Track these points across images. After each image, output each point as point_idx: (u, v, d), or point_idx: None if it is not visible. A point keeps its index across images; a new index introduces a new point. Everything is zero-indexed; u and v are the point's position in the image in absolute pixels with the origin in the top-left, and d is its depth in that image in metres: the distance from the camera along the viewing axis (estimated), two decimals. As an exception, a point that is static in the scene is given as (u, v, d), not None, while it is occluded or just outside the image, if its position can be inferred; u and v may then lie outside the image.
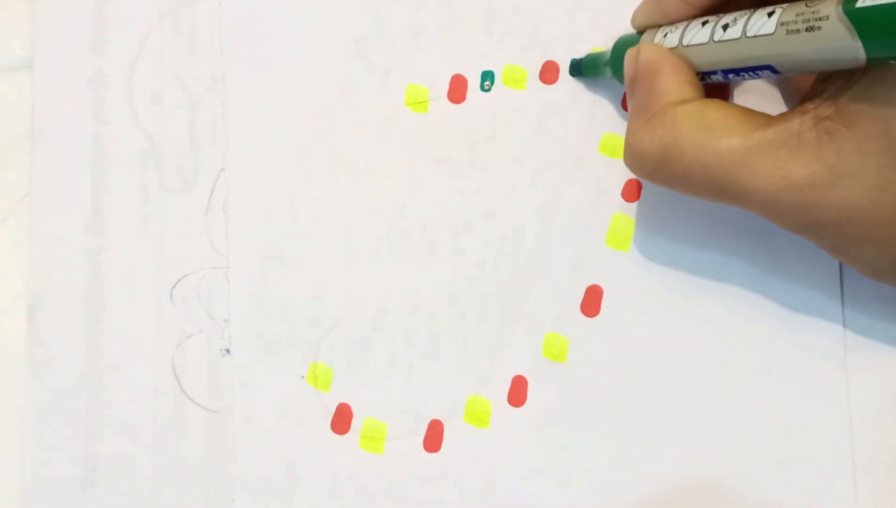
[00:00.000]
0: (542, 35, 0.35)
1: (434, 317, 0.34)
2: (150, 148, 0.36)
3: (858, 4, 0.23)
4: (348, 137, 0.35)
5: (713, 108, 0.27)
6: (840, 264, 0.33)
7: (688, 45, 0.28)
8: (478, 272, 0.34)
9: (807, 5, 0.25)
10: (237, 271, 0.35)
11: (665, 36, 0.29)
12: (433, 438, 0.34)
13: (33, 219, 0.35)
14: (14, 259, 0.35)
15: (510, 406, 0.34)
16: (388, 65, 0.35)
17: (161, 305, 0.35)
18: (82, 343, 0.35)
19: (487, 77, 0.35)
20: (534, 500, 0.33)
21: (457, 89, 0.35)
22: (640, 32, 0.31)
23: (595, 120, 0.34)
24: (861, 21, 0.23)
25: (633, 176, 0.34)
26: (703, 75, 0.29)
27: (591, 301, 0.34)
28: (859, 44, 0.23)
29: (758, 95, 0.33)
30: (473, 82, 0.35)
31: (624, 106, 0.34)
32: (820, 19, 0.24)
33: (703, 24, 0.28)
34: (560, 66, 0.35)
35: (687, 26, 0.29)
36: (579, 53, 0.35)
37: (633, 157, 0.29)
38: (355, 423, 0.34)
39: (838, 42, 0.24)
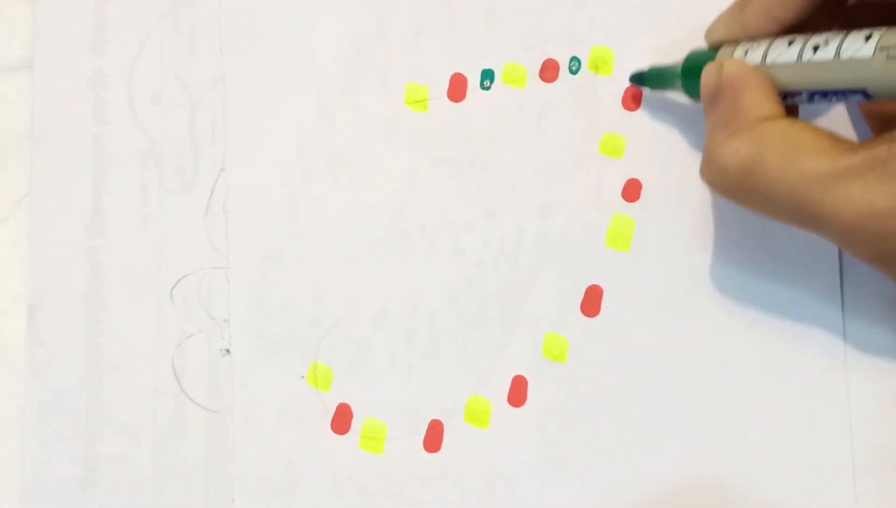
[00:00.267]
0: (542, 33, 0.35)
1: (434, 317, 0.34)
2: (150, 148, 0.36)
3: None
4: (348, 137, 0.35)
5: (801, 127, 0.27)
6: (840, 265, 0.33)
7: (772, 64, 0.28)
8: (478, 272, 0.34)
9: None
10: (237, 271, 0.35)
11: (746, 53, 0.29)
12: (433, 438, 0.34)
13: (33, 219, 0.35)
14: (14, 259, 0.35)
15: (510, 406, 0.34)
16: (388, 64, 0.35)
17: (161, 305, 0.35)
18: (82, 343, 0.35)
19: (487, 76, 0.35)
20: (534, 500, 0.33)
21: (457, 88, 0.35)
22: (713, 48, 0.31)
23: (595, 119, 0.34)
24: None
25: (633, 176, 0.34)
26: (785, 95, 0.28)
27: (591, 301, 0.34)
28: None
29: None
30: (473, 81, 0.35)
31: (625, 104, 0.34)
32: None
33: (790, 43, 0.27)
34: (560, 64, 0.35)
35: (771, 44, 0.28)
36: (581, 53, 0.34)
37: (714, 170, 0.28)
38: (355, 423, 0.34)
39: None
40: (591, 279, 0.34)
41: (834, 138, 0.26)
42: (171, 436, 0.34)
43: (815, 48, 0.27)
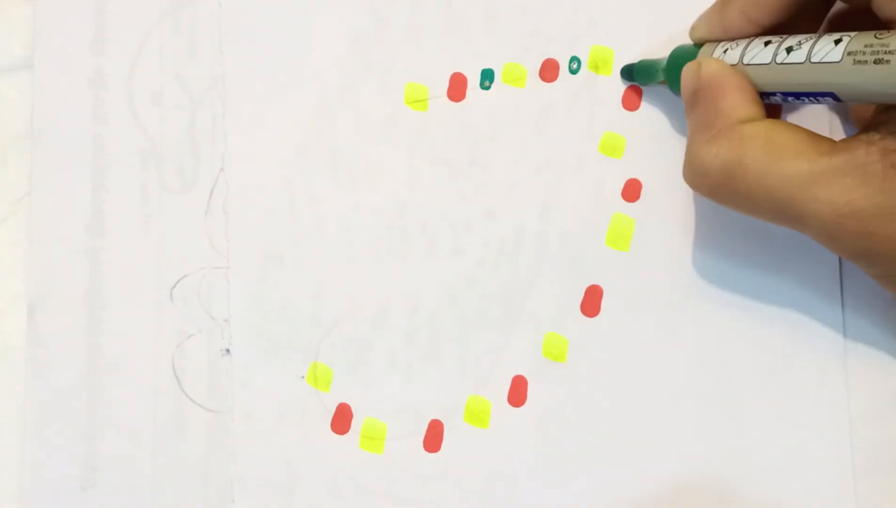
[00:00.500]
0: (542, 33, 0.35)
1: (434, 317, 0.34)
2: (150, 148, 0.36)
3: None
4: (348, 137, 0.35)
5: (780, 129, 0.27)
6: (840, 265, 0.33)
7: (748, 64, 0.28)
8: (478, 272, 0.34)
9: (876, 37, 0.24)
10: (237, 271, 0.35)
11: (725, 52, 0.29)
12: (433, 438, 0.34)
13: (33, 219, 0.35)
14: (14, 259, 0.35)
15: (510, 406, 0.34)
16: (388, 64, 0.35)
17: (161, 305, 0.35)
18: (82, 343, 0.35)
19: (487, 75, 0.35)
20: (534, 500, 0.33)
21: (457, 88, 0.35)
22: (697, 45, 0.31)
23: (595, 119, 0.34)
24: None
25: (633, 176, 0.34)
26: (761, 96, 0.28)
27: (591, 301, 0.34)
28: None
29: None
30: (473, 80, 0.35)
31: (624, 105, 0.34)
32: (889, 52, 0.24)
33: (766, 44, 0.28)
34: (560, 64, 0.35)
35: (748, 45, 0.28)
36: (581, 52, 0.34)
37: (695, 173, 0.29)
38: (355, 423, 0.34)
39: None
40: (591, 279, 0.34)
41: (813, 138, 0.27)
42: (171, 436, 0.34)
43: (789, 50, 0.27)
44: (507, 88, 0.35)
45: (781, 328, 0.33)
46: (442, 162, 0.35)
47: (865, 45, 0.25)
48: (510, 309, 0.34)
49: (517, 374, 0.34)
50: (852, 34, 0.25)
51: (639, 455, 0.33)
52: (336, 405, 0.34)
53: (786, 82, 0.27)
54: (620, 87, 0.34)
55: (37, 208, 0.35)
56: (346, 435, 0.34)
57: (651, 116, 0.34)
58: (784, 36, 0.28)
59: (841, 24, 0.30)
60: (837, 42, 0.25)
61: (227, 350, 0.35)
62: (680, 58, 0.31)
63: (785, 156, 0.26)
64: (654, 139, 0.34)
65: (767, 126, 0.27)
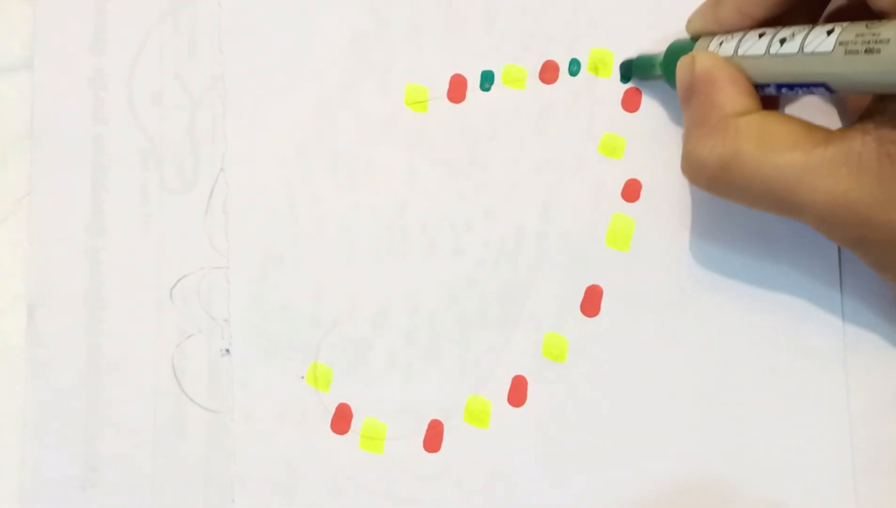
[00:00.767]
0: (542, 34, 0.35)
1: (434, 317, 0.34)
2: (150, 148, 0.36)
3: None
4: (348, 137, 0.35)
5: (774, 120, 0.27)
6: (840, 265, 0.33)
7: (743, 56, 0.28)
8: (478, 272, 0.34)
9: (867, 26, 0.24)
10: (237, 271, 0.35)
11: (720, 45, 0.29)
12: (433, 438, 0.34)
13: (33, 219, 0.35)
14: (14, 259, 0.35)
15: (510, 406, 0.34)
16: (388, 64, 0.35)
17: (161, 305, 0.35)
18: (82, 343, 0.35)
19: (487, 77, 0.35)
20: (534, 500, 0.33)
21: (456, 89, 0.35)
22: (693, 38, 0.31)
23: (595, 120, 0.34)
24: None
25: (633, 176, 0.34)
26: (756, 87, 0.28)
27: (591, 301, 0.34)
28: None
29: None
30: (473, 82, 0.35)
31: (623, 106, 0.34)
32: (880, 42, 0.24)
33: (760, 36, 0.28)
34: (560, 65, 0.35)
35: (743, 37, 0.28)
36: (581, 54, 0.35)
37: (692, 167, 0.29)
38: (355, 423, 0.34)
39: None
40: (591, 279, 0.34)
41: (808, 129, 0.27)
42: (171, 436, 0.34)
43: (782, 41, 0.27)
44: (507, 89, 0.35)
45: (781, 328, 0.33)
46: (442, 162, 0.35)
47: (857, 35, 0.25)
48: (510, 309, 0.34)
49: (517, 374, 0.34)
50: (844, 24, 0.25)
51: (639, 455, 0.33)
52: (336, 405, 0.34)
53: (779, 73, 0.27)
54: (620, 88, 0.34)
55: (37, 208, 0.35)
56: (346, 435, 0.34)
57: (651, 117, 0.34)
58: (779, 28, 0.28)
59: (839, 19, 0.30)
60: (830, 32, 0.25)
61: (227, 350, 0.35)
62: (676, 52, 0.31)
63: (780, 147, 0.27)
64: (653, 140, 0.34)
65: (762, 118, 0.27)
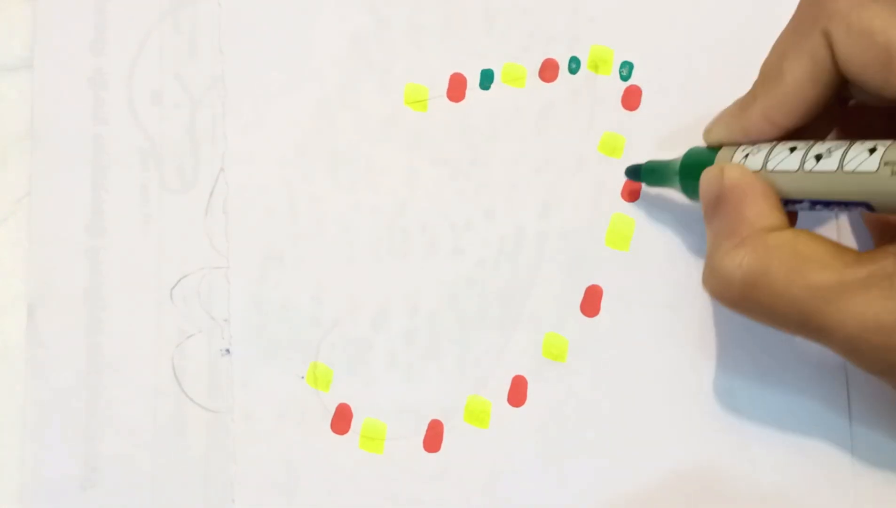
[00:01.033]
0: (542, 33, 0.35)
1: (434, 317, 0.34)
2: (150, 148, 0.36)
3: None
4: (348, 137, 0.35)
5: (805, 239, 0.26)
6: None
7: (773, 171, 0.27)
8: (478, 272, 0.34)
9: None
10: (237, 271, 0.35)
11: (746, 157, 0.28)
12: (433, 438, 0.34)
13: (33, 219, 0.35)
14: (14, 259, 0.35)
15: (510, 406, 0.34)
16: (388, 64, 0.35)
17: (161, 305, 0.35)
18: (82, 343, 0.35)
19: (487, 75, 0.35)
20: (534, 500, 0.33)
21: (456, 88, 0.35)
22: (711, 148, 0.30)
23: (595, 119, 0.34)
24: None
25: (632, 175, 0.34)
26: (786, 202, 0.27)
27: (591, 301, 0.34)
28: None
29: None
30: (473, 81, 0.35)
31: (624, 104, 0.34)
32: None
33: (792, 150, 0.27)
34: (559, 63, 0.35)
35: (772, 150, 0.28)
36: (581, 52, 0.34)
37: (718, 281, 0.28)
38: (355, 423, 0.34)
39: None
40: (590, 279, 0.34)
41: (838, 249, 0.26)
42: (171, 436, 0.34)
43: (818, 157, 0.26)
44: (507, 88, 0.35)
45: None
46: (442, 162, 0.35)
47: None
48: (510, 309, 0.34)
49: (517, 374, 0.34)
50: (887, 143, 0.24)
51: (639, 455, 0.33)
52: (336, 405, 0.34)
53: (816, 190, 0.26)
54: (620, 86, 0.34)
55: (37, 208, 0.35)
56: (346, 435, 0.34)
57: (651, 116, 0.34)
58: (810, 142, 0.27)
59: (861, 125, 0.29)
60: (872, 151, 0.25)
61: (227, 350, 0.35)
62: (696, 161, 0.30)
63: (811, 267, 0.26)
64: (653, 139, 0.34)
65: (793, 235, 0.26)
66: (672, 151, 0.34)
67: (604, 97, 0.34)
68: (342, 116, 0.35)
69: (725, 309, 0.33)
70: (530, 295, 0.34)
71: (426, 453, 0.34)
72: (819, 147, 0.26)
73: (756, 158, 0.28)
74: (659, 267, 0.33)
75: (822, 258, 0.26)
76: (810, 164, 0.26)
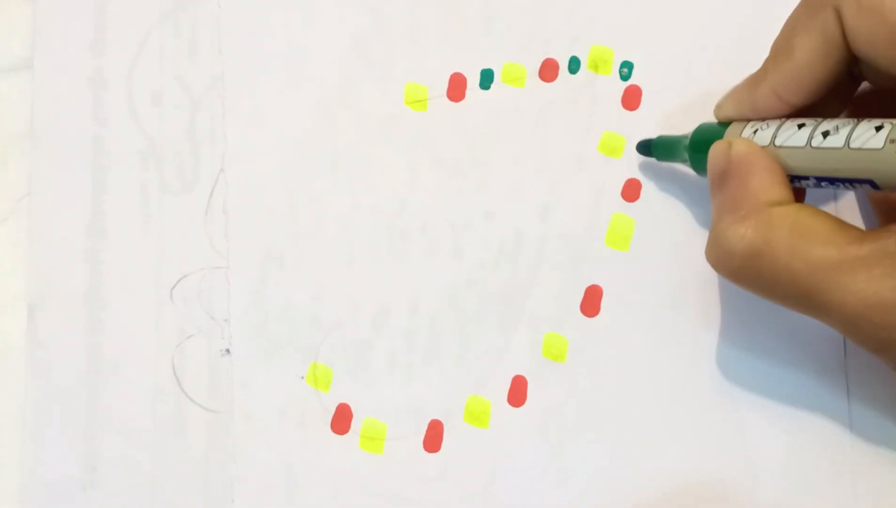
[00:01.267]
0: (542, 32, 0.35)
1: (434, 317, 0.34)
2: (150, 148, 0.36)
3: None
4: (348, 137, 0.35)
5: (809, 214, 0.26)
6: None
7: (781, 147, 0.27)
8: (478, 272, 0.34)
9: None
10: (237, 271, 0.35)
11: (755, 132, 0.28)
12: (433, 438, 0.34)
13: (33, 219, 0.35)
14: (14, 259, 0.35)
15: (510, 406, 0.34)
16: (388, 63, 0.35)
17: (161, 305, 0.35)
18: (82, 343, 0.35)
19: (487, 75, 0.35)
20: (534, 500, 0.33)
21: (456, 88, 0.35)
22: (722, 124, 0.30)
23: (595, 118, 0.34)
24: None
25: (632, 176, 0.34)
26: (793, 179, 0.27)
27: (591, 301, 0.34)
28: None
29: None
30: (473, 81, 0.35)
31: (623, 104, 0.34)
32: None
33: (800, 126, 0.27)
34: (559, 63, 0.35)
35: (780, 126, 0.28)
36: (581, 52, 0.34)
37: (720, 253, 0.28)
38: (355, 423, 0.34)
39: None
40: (590, 279, 0.34)
41: (842, 226, 0.26)
42: (171, 436, 0.34)
43: (825, 134, 0.26)
44: (507, 87, 0.35)
45: (781, 328, 0.33)
46: (442, 162, 0.35)
47: None
48: (510, 309, 0.34)
49: (517, 374, 0.34)
50: (893, 121, 0.25)
51: (639, 455, 0.33)
52: (336, 405, 0.34)
53: (822, 167, 0.26)
54: (620, 86, 0.34)
55: (37, 208, 0.35)
56: (346, 435, 0.34)
57: (651, 116, 0.34)
58: (818, 119, 0.27)
59: (871, 107, 0.29)
60: (879, 129, 0.25)
61: (227, 350, 0.35)
62: (705, 136, 0.30)
63: (813, 241, 0.26)
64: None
65: (796, 210, 0.27)
66: (672, 151, 0.34)
67: (604, 97, 0.34)
68: (342, 116, 0.35)
69: (725, 309, 0.33)
70: (530, 295, 0.34)
71: (426, 453, 0.34)
72: (827, 124, 0.26)
73: (765, 133, 0.28)
74: (659, 267, 0.33)
75: (825, 234, 0.26)
76: (817, 140, 0.26)
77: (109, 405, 0.35)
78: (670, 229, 0.33)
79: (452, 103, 0.35)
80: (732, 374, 0.33)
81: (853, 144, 0.25)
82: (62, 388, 0.35)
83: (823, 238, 0.26)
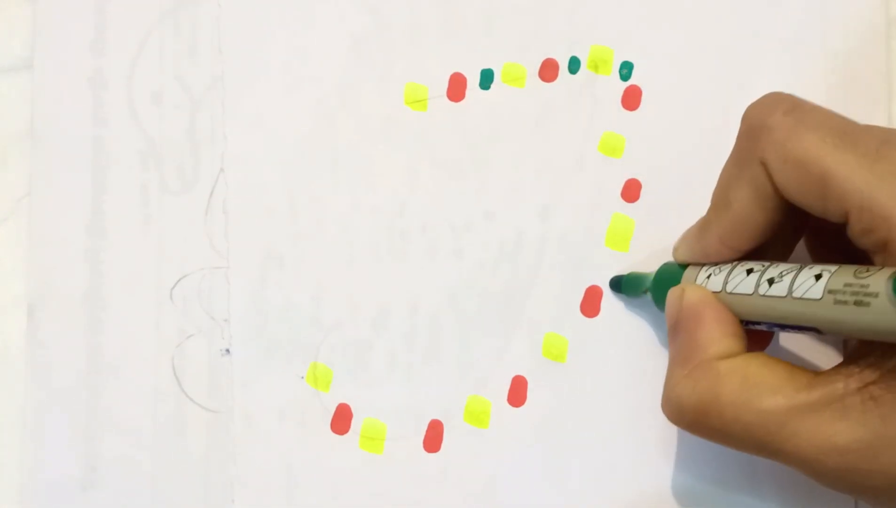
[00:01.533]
0: (542, 32, 0.35)
1: (434, 317, 0.34)
2: (150, 148, 0.36)
3: None
4: (348, 137, 0.35)
5: (757, 364, 0.26)
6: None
7: (731, 293, 0.28)
8: (478, 272, 0.34)
9: (856, 275, 0.24)
10: (237, 271, 0.35)
11: (709, 277, 0.29)
12: (433, 438, 0.34)
13: (33, 219, 0.35)
14: (14, 259, 0.35)
15: (510, 406, 0.34)
16: (387, 64, 0.35)
17: (161, 305, 0.35)
18: (82, 343, 0.35)
19: (487, 75, 0.35)
20: (534, 500, 0.33)
21: (456, 88, 0.35)
22: (682, 265, 0.30)
23: (595, 119, 0.34)
24: None
25: (632, 176, 0.34)
26: (747, 323, 0.28)
27: (591, 301, 0.34)
28: None
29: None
30: (473, 81, 0.35)
31: (623, 104, 0.34)
32: (869, 295, 0.23)
33: (748, 272, 0.27)
34: (559, 63, 0.35)
35: (731, 271, 0.28)
36: (581, 52, 0.34)
37: (672, 409, 0.28)
38: (355, 423, 0.34)
39: (887, 319, 0.23)
40: (590, 280, 0.34)
41: (791, 372, 0.26)
42: (171, 436, 0.34)
43: (770, 281, 0.26)
44: (507, 87, 0.35)
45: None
46: (442, 162, 0.35)
47: (845, 285, 0.24)
48: (510, 309, 0.34)
49: (517, 374, 0.34)
50: (832, 268, 0.25)
51: (639, 455, 0.33)
52: (336, 405, 0.34)
53: (770, 314, 0.27)
54: (620, 86, 0.34)
55: (37, 208, 0.35)
56: (345, 435, 0.34)
57: (651, 116, 0.34)
58: (765, 264, 0.27)
59: (822, 232, 0.29)
60: (818, 277, 0.25)
61: (227, 350, 0.35)
62: (665, 278, 0.31)
63: (761, 392, 0.26)
64: (653, 139, 0.34)
65: (744, 362, 0.27)
66: (671, 151, 0.34)
67: (604, 97, 0.34)
68: (342, 116, 0.35)
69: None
70: (530, 295, 0.34)
71: (426, 453, 0.34)
72: (773, 270, 0.27)
73: (717, 278, 0.28)
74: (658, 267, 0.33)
75: (772, 384, 0.26)
76: (763, 288, 0.26)
77: (109, 406, 0.35)
78: (670, 229, 0.33)
79: (452, 103, 0.35)
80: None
81: (795, 294, 0.25)
82: (62, 388, 0.35)
83: (772, 388, 0.26)
